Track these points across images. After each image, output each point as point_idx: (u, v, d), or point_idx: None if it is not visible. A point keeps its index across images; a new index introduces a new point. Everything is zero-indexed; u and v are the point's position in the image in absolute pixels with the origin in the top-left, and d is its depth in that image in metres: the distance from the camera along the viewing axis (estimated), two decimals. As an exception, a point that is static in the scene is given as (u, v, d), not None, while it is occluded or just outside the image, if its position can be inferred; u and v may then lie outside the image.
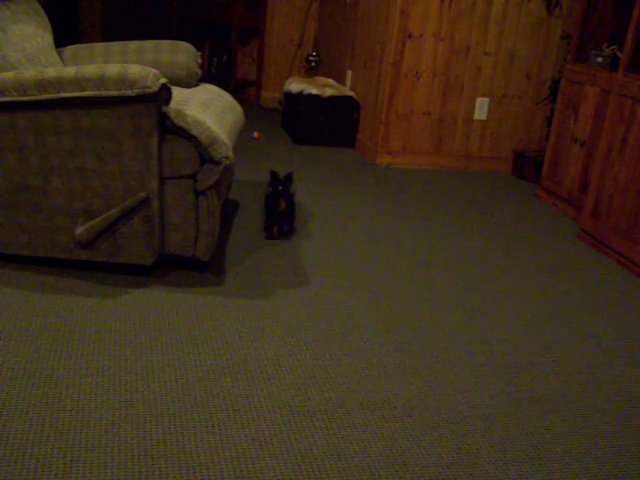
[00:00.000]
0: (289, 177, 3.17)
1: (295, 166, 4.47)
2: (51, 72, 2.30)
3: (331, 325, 2.43)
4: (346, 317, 2.50)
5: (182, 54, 3.33)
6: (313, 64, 6.39)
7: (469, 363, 2.27)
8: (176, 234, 2.55)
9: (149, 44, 3.34)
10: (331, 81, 5.49)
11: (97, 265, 2.69)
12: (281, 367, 2.13)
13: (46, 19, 3.10)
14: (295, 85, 5.29)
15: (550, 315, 2.70)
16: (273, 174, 3.17)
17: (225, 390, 1.98)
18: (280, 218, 3.21)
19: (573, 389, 2.19)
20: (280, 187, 3.12)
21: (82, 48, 3.31)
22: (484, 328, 2.53)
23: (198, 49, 6.11)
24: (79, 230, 2.48)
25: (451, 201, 4.09)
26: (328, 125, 5.12)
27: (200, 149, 2.41)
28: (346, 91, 5.18)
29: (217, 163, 2.45)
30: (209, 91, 3.19)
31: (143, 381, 1.98)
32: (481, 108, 4.77)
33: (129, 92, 2.27)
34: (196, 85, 3.40)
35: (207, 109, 2.77)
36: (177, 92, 3.00)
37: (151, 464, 1.65)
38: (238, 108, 3.29)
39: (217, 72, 6.37)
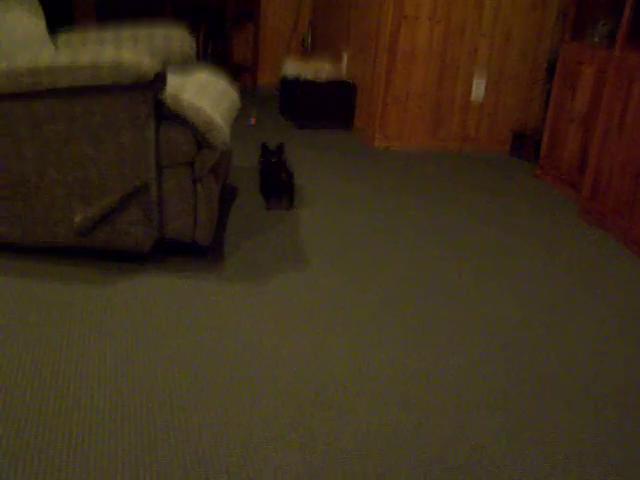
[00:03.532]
0: (280, 148, 3.30)
1: (287, 145, 4.46)
2: (45, 61, 2.29)
3: (330, 309, 2.43)
4: (345, 301, 2.50)
5: (177, 39, 3.31)
6: (309, 47, 6.35)
7: (470, 344, 2.28)
8: (175, 220, 2.54)
9: (143, 29, 3.32)
10: (327, 64, 5.46)
11: (96, 253, 2.68)
12: (281, 351, 2.13)
13: (39, 6, 3.08)
14: (291, 69, 5.26)
15: (551, 296, 2.70)
16: (264, 147, 3.33)
17: (227, 375, 1.98)
18: (280, 189, 3.36)
19: (575, 370, 2.19)
20: (275, 159, 3.28)
21: (75, 35, 3.29)
22: (485, 309, 2.53)
23: (193, 34, 6.07)
24: (77, 219, 2.47)
25: (449, 183, 4.09)
26: (325, 109, 5.10)
27: (197, 134, 2.41)
28: (342, 74, 5.16)
29: (214, 148, 2.44)
30: (204, 77, 3.17)
31: (144, 367, 1.98)
32: (478, 89, 4.75)
33: (124, 80, 2.26)
34: (191, 70, 3.38)
35: (203, 94, 2.75)
36: (172, 78, 2.98)
37: (154, 448, 1.66)
38: (233, 93, 3.28)
39: (212, 57, 6.34)
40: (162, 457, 1.64)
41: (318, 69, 5.16)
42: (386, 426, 1.82)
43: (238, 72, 6.58)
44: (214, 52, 6.37)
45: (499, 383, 2.07)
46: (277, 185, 3.36)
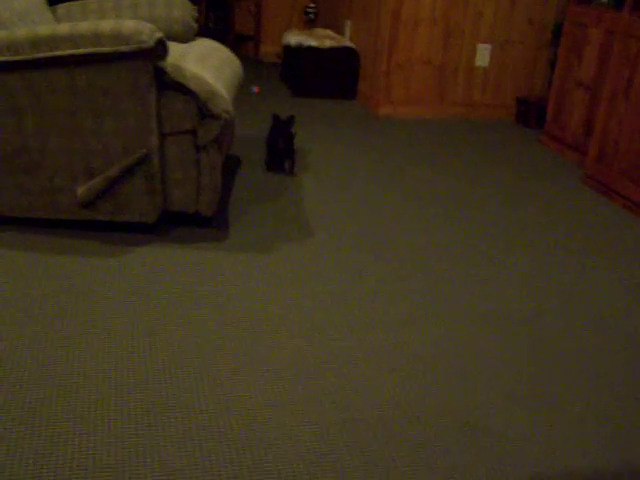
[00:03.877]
0: (291, 120, 3.39)
1: (290, 114, 4.43)
2: (44, 30, 2.26)
3: (336, 277, 2.42)
4: (351, 268, 2.49)
5: (178, 8, 3.27)
6: (311, 16, 6.28)
7: (477, 311, 2.27)
8: (178, 190, 2.53)
9: (143, -1, 3.28)
10: (330, 32, 5.40)
11: (100, 225, 2.68)
12: (287, 320, 2.13)
13: (37, -24, 3.04)
14: (294, 38, 5.20)
15: (557, 260, 2.69)
16: (275, 117, 3.40)
17: (232, 345, 1.98)
18: (280, 155, 3.45)
19: (582, 333, 2.19)
20: (279, 128, 3.39)
21: (75, 5, 3.25)
22: (490, 275, 2.52)
23: (195, 3, 6.00)
24: (80, 190, 2.46)
25: (454, 150, 4.05)
26: (328, 77, 5.05)
27: (199, 103, 2.38)
28: (345, 42, 5.10)
29: (216, 117, 2.42)
30: (206, 45, 3.14)
31: (150, 339, 1.98)
32: (482, 54, 4.69)
33: (124, 48, 2.23)
34: (193, 40, 3.35)
35: (205, 63, 2.72)
36: (174, 47, 2.95)
37: (160, 420, 1.66)
38: (236, 61, 3.24)
39: (215, 27, 6.27)
40: (167, 425, 1.64)
41: (321, 37, 5.10)
42: (392, 393, 1.82)
43: (240, 42, 6.51)
44: (216, 21, 6.30)
45: (505, 351, 2.07)
46: (275, 150, 3.43)
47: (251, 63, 6.27)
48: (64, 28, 2.25)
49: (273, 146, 3.41)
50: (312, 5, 6.26)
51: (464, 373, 1.93)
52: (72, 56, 2.25)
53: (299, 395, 1.79)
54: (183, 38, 3.28)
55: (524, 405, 1.82)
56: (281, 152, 3.42)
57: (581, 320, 2.27)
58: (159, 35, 2.27)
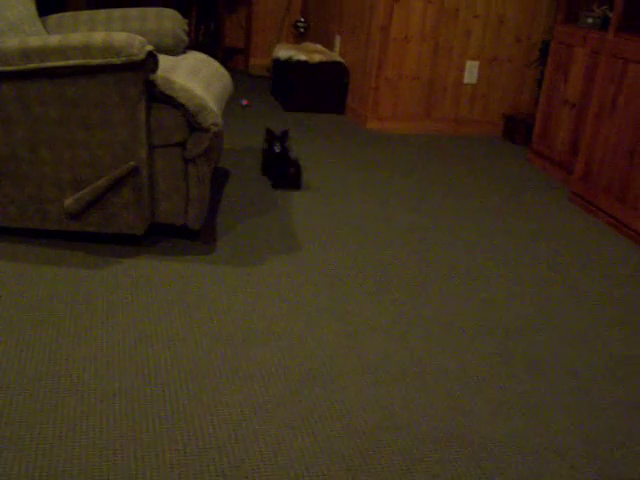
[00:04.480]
0: (285, 134, 3.39)
1: (279, 127, 4.45)
2: (35, 41, 2.27)
3: (322, 290, 2.43)
4: (337, 282, 2.50)
5: (168, 21, 3.29)
6: (301, 30, 6.32)
7: (462, 325, 2.29)
8: (166, 203, 2.53)
9: (134, 12, 3.29)
10: (320, 47, 5.43)
11: (87, 236, 2.68)
12: (273, 333, 2.14)
13: (28, -13, 3.04)
14: (283, 52, 5.23)
15: (542, 277, 2.71)
16: (268, 131, 3.40)
17: (218, 356, 1.99)
18: (288, 180, 3.42)
19: (565, 350, 2.21)
20: (278, 149, 3.37)
21: (66, 17, 3.26)
22: (476, 290, 2.54)
23: (185, 16, 6.02)
24: (68, 201, 2.46)
25: (442, 165, 4.08)
26: (317, 91, 5.08)
27: (188, 116, 2.39)
28: (335, 57, 5.13)
29: (206, 130, 2.43)
30: (196, 58, 3.16)
31: (136, 350, 1.98)
32: (471, 72, 4.74)
33: (115, 60, 2.24)
34: (183, 53, 3.36)
35: (194, 76, 2.74)
36: (164, 60, 2.96)
37: (146, 430, 1.66)
38: (226, 75, 3.26)
39: (204, 40, 6.29)
40: (153, 434, 1.64)
41: (311, 51, 5.13)
42: (377, 404, 1.83)
43: (230, 55, 6.54)
44: (206, 34, 6.33)
45: (490, 364, 2.08)
46: (286, 178, 3.42)
47: (241, 76, 6.30)
48: (55, 39, 2.26)
49: (283, 171, 3.41)
50: (302, 19, 6.31)
51: (450, 385, 1.94)
52: (62, 67, 2.26)
53: (286, 407, 1.79)
54: (173, 51, 3.29)
55: (510, 417, 1.83)
56: (291, 179, 3.42)
57: (565, 335, 2.29)
58: (150, 48, 2.28)
